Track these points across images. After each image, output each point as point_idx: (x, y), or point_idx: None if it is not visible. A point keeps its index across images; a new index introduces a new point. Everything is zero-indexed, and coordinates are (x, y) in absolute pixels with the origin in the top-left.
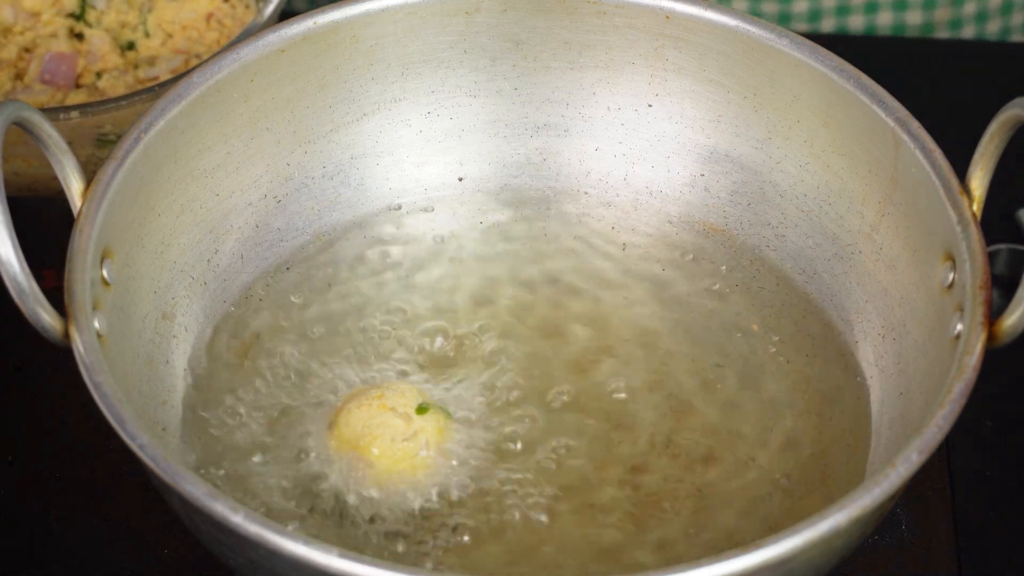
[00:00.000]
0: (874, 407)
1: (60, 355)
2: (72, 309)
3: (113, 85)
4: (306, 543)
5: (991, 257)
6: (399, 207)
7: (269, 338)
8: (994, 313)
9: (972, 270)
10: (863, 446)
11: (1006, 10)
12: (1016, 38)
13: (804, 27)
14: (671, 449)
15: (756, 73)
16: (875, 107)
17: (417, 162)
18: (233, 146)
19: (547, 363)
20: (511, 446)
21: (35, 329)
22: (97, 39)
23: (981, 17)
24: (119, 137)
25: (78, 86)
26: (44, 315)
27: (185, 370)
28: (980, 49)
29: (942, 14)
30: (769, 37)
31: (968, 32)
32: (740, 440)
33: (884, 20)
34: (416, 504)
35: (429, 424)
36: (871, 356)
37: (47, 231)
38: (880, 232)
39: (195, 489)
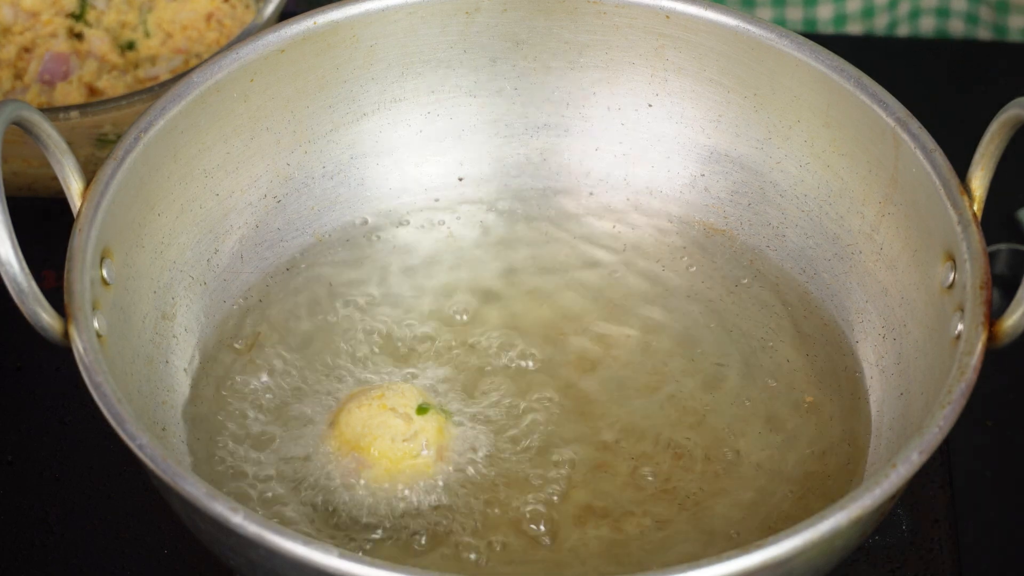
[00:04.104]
0: (874, 407)
1: (60, 355)
2: (72, 309)
3: (113, 85)
4: (306, 543)
5: (991, 257)
6: (399, 207)
7: (269, 338)
8: (994, 313)
9: (972, 270)
10: (863, 446)
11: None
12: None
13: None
14: (671, 449)
15: (756, 73)
16: (875, 107)
17: (417, 162)
18: (233, 146)
19: (547, 363)
20: (512, 447)
21: (35, 329)
22: (97, 39)
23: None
24: (119, 137)
25: None
26: (44, 315)
27: (185, 370)
28: (980, 49)
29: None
30: (769, 37)
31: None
32: (740, 440)
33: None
34: (416, 504)
35: (429, 424)
36: (871, 356)
37: (47, 231)
38: (880, 232)
39: (195, 489)
